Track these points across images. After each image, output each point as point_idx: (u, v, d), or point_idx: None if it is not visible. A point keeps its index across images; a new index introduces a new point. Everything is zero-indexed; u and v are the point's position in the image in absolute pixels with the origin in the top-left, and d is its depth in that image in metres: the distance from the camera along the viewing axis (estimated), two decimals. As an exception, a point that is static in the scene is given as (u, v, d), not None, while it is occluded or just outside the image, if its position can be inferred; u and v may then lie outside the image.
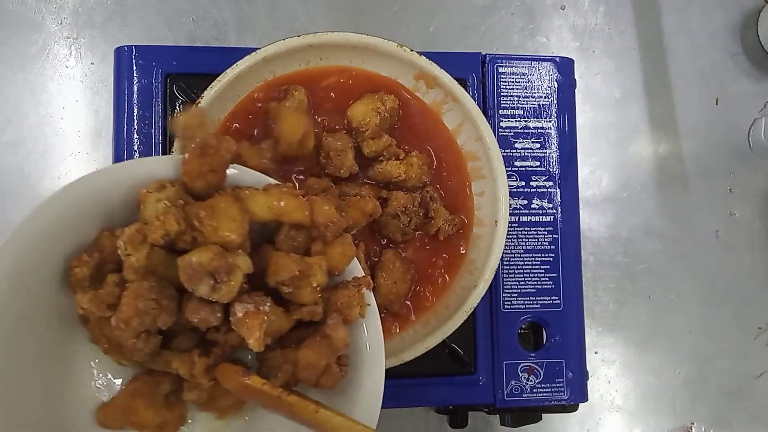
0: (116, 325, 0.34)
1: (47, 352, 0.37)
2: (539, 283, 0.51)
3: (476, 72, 0.51)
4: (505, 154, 0.49)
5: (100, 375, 0.39)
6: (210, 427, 0.40)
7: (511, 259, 0.50)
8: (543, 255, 0.51)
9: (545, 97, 0.52)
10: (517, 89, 0.52)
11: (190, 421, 0.40)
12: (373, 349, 0.38)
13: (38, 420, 0.35)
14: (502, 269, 0.50)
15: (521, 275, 0.50)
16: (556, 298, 0.51)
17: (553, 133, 0.52)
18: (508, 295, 0.50)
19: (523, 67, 0.52)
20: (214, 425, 0.40)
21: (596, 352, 0.65)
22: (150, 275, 0.35)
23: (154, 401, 0.37)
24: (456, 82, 0.45)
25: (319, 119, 0.46)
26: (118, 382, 0.39)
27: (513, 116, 0.51)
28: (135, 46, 0.48)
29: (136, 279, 0.34)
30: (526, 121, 0.51)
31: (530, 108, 0.52)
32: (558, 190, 0.51)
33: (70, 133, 0.60)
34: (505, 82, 0.51)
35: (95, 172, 0.37)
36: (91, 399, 0.38)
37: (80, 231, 0.36)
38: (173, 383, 0.38)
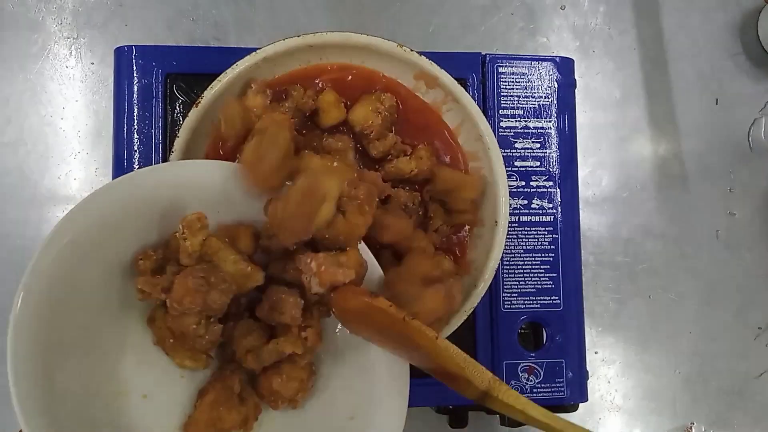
0: (171, 307, 0.35)
1: (96, 338, 0.37)
2: (539, 282, 0.51)
3: (476, 72, 0.51)
4: (505, 154, 0.49)
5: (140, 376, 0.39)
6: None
7: (511, 259, 0.50)
8: (543, 255, 0.51)
9: (545, 97, 0.52)
10: (517, 89, 0.52)
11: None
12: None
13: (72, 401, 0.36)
14: (502, 269, 0.50)
15: (521, 275, 0.50)
16: (556, 297, 0.51)
17: (553, 133, 0.52)
18: (508, 294, 0.50)
19: (523, 67, 0.52)
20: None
21: (596, 352, 0.65)
22: (204, 262, 0.36)
23: (233, 403, 0.39)
24: (456, 82, 0.45)
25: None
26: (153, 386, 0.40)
27: (513, 116, 0.51)
28: (135, 46, 0.48)
29: (190, 263, 0.36)
30: (526, 121, 0.51)
31: (530, 108, 0.52)
32: (558, 190, 0.51)
33: (70, 133, 0.61)
34: (505, 82, 0.51)
35: (167, 164, 0.39)
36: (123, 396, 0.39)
37: (143, 221, 0.38)
38: (241, 380, 0.40)
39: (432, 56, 0.45)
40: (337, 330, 0.42)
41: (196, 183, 0.38)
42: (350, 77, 0.46)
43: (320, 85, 0.46)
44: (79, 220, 0.35)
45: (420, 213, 0.46)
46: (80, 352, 0.36)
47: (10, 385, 0.32)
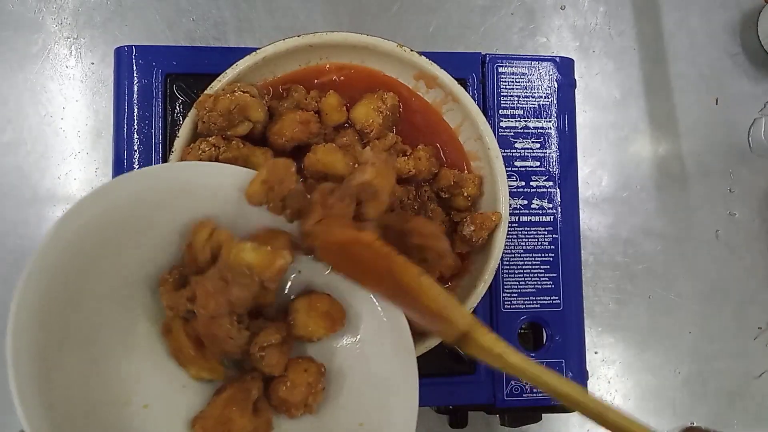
0: (198, 312, 0.36)
1: (97, 342, 0.37)
2: (539, 282, 0.51)
3: (476, 72, 0.51)
4: (505, 154, 0.49)
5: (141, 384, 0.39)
6: None
7: (511, 259, 0.50)
8: (543, 255, 0.51)
9: (545, 97, 0.52)
10: (517, 89, 0.52)
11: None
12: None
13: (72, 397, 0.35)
14: (502, 269, 0.50)
15: (521, 275, 0.50)
16: (556, 297, 0.51)
17: (553, 133, 0.52)
18: (508, 295, 0.50)
19: (523, 67, 0.52)
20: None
21: (596, 352, 0.65)
22: (220, 255, 0.36)
23: (247, 408, 0.38)
24: (456, 82, 0.45)
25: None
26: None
27: (513, 116, 0.51)
28: (135, 46, 0.48)
29: (205, 261, 0.37)
30: (526, 121, 0.51)
31: (530, 108, 0.52)
32: (558, 190, 0.51)
33: (70, 133, 0.61)
34: (505, 82, 0.51)
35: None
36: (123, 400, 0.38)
37: (153, 219, 0.37)
38: (260, 389, 0.39)
39: (432, 56, 0.45)
40: (355, 336, 0.41)
41: (210, 187, 0.38)
42: (351, 77, 0.46)
43: (323, 83, 0.46)
44: (91, 208, 0.35)
45: (415, 207, 0.46)
46: (80, 353, 0.36)
47: (10, 377, 0.31)
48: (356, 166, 0.42)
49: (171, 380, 0.39)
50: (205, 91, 0.43)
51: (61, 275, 0.34)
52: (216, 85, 0.43)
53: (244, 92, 0.41)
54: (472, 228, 0.44)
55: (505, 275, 0.50)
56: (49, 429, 0.32)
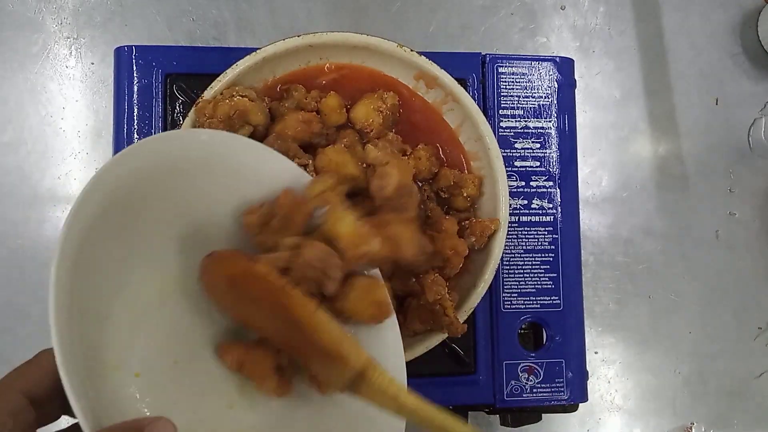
0: (297, 267, 0.34)
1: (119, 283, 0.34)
2: (539, 283, 0.51)
3: (476, 72, 0.51)
4: (505, 154, 0.49)
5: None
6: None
7: (511, 259, 0.50)
8: (543, 255, 0.51)
9: (545, 97, 0.52)
10: (517, 89, 0.52)
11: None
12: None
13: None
14: (502, 269, 0.50)
15: (521, 275, 0.50)
16: (556, 298, 0.51)
17: (553, 133, 0.52)
18: (508, 295, 0.50)
19: (523, 67, 0.52)
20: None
21: (596, 352, 0.65)
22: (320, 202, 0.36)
23: (272, 361, 0.36)
24: (456, 82, 0.45)
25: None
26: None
27: (513, 116, 0.51)
28: (135, 46, 0.48)
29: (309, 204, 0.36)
30: (526, 121, 0.51)
31: (530, 108, 0.52)
32: (558, 190, 0.51)
33: (70, 133, 0.61)
34: (505, 82, 0.51)
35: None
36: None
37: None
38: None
39: (432, 56, 0.45)
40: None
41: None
42: (351, 77, 0.46)
43: (323, 82, 0.46)
44: (168, 146, 0.33)
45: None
46: (103, 283, 0.33)
47: (53, 276, 0.27)
48: (364, 165, 0.42)
49: (165, 349, 0.36)
50: (205, 92, 0.43)
51: (117, 198, 0.32)
52: (216, 86, 0.43)
53: (242, 96, 0.41)
54: (473, 239, 0.45)
55: (505, 275, 0.50)
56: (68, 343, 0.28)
